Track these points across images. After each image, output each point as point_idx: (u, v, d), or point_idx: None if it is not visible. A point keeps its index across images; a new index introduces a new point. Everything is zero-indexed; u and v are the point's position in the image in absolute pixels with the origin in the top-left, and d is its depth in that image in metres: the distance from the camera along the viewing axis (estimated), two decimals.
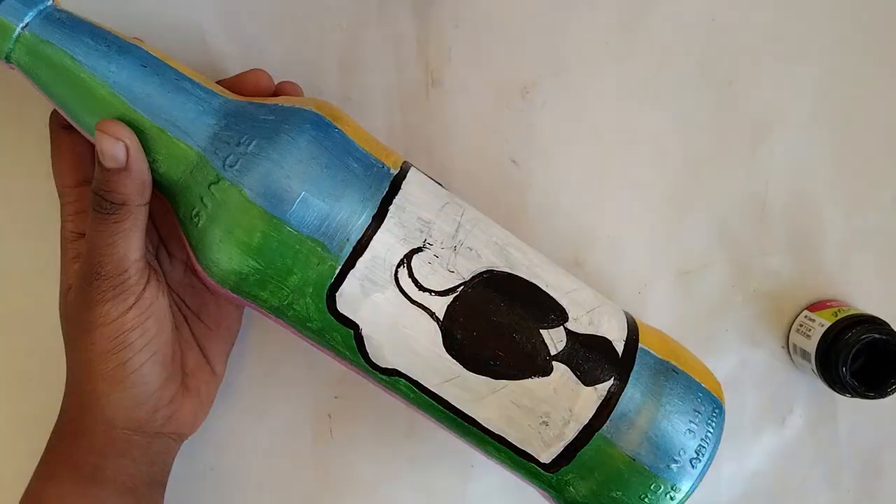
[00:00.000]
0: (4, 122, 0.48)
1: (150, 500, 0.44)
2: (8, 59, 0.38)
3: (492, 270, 0.39)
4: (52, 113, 0.43)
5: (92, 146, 0.39)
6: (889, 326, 0.47)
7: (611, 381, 0.39)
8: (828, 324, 0.48)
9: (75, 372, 0.42)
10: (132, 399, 0.41)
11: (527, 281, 0.40)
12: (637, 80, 0.49)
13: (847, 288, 0.51)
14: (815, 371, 0.48)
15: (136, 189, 0.39)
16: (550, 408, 0.39)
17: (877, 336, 0.46)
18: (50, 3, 0.39)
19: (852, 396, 0.47)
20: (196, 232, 0.38)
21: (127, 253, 0.39)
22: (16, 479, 0.47)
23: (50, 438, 0.43)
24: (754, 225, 0.50)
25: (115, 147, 0.37)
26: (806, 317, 0.50)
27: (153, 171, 0.39)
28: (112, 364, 0.40)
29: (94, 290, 0.40)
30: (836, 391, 0.48)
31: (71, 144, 0.43)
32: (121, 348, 0.40)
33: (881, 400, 0.47)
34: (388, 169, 0.39)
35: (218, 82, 0.42)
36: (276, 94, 0.43)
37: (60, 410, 0.43)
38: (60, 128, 0.43)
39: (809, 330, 0.49)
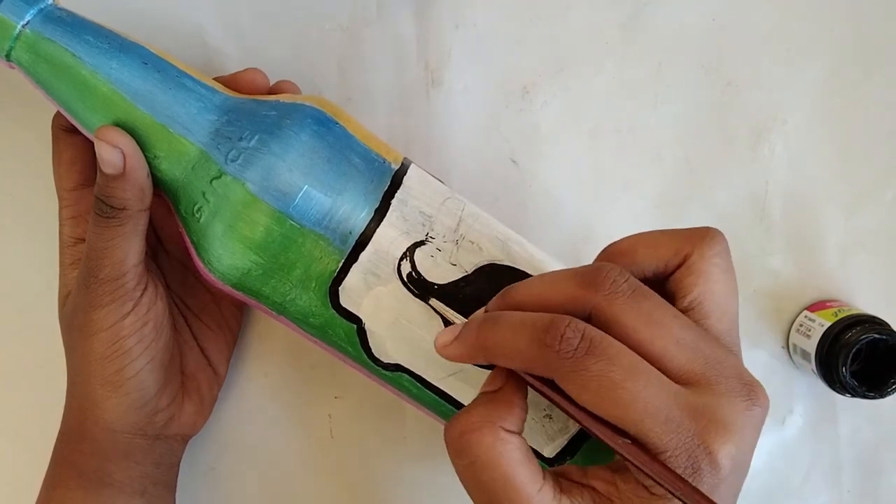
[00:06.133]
0: (4, 122, 0.48)
1: (161, 501, 0.44)
2: (8, 57, 0.38)
3: (493, 264, 0.39)
4: (54, 115, 0.43)
5: (93, 147, 0.39)
6: (889, 326, 0.47)
7: None
8: (828, 324, 0.48)
9: (74, 377, 0.42)
10: (130, 404, 0.41)
11: (528, 274, 0.40)
12: (637, 80, 0.49)
13: (847, 288, 0.51)
14: (815, 371, 0.48)
15: (134, 194, 0.39)
16: None
17: (877, 336, 0.46)
18: (50, 1, 0.39)
19: (852, 396, 0.47)
20: (198, 228, 0.38)
21: (126, 257, 0.39)
22: (15, 481, 0.47)
23: (55, 444, 0.43)
24: (754, 225, 0.50)
25: (113, 154, 0.38)
26: (806, 317, 0.50)
27: (154, 167, 0.39)
28: (110, 370, 0.40)
29: (92, 294, 0.40)
30: (836, 391, 0.47)
31: (71, 147, 0.43)
32: (118, 354, 0.40)
33: (881, 400, 0.47)
34: (390, 164, 0.39)
35: (214, 80, 0.42)
36: (274, 92, 0.43)
37: (63, 414, 0.43)
38: (62, 130, 0.43)
39: (809, 330, 0.49)
